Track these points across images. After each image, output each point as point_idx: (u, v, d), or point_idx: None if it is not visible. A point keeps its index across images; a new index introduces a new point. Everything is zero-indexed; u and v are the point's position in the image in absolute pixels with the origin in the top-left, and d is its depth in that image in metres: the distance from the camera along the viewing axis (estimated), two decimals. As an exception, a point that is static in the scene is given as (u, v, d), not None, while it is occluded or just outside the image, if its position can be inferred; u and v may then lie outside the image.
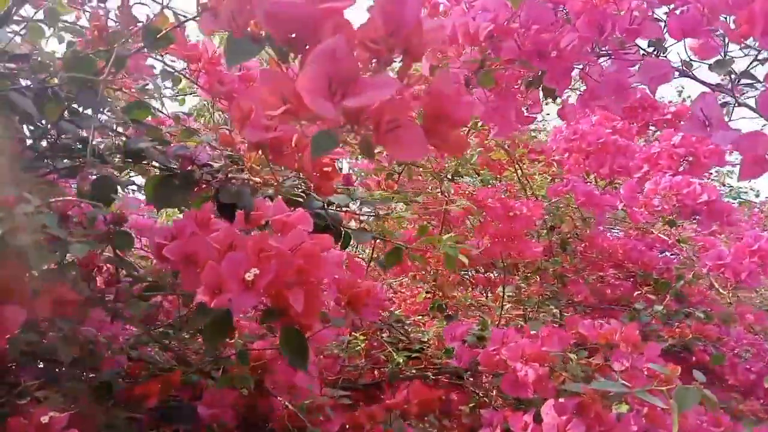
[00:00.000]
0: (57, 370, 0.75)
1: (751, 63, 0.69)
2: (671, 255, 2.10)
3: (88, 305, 0.68)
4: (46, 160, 0.83)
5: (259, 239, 0.58)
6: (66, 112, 0.73)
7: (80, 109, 0.75)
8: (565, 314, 1.84)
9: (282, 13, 0.38)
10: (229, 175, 0.69)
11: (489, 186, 1.76)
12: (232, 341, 0.76)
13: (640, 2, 0.70)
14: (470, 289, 1.75)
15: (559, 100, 1.06)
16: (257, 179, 0.67)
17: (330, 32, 0.36)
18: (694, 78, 0.72)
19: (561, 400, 0.90)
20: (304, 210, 0.73)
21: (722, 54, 0.67)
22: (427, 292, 1.54)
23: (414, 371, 1.34)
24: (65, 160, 0.82)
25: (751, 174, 0.60)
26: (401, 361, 1.30)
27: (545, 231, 1.78)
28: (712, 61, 0.68)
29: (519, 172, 1.57)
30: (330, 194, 0.68)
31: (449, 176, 1.74)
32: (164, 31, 0.62)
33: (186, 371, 0.72)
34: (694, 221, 1.69)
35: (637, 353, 0.94)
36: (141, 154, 0.83)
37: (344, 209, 0.86)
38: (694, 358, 1.69)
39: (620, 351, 0.98)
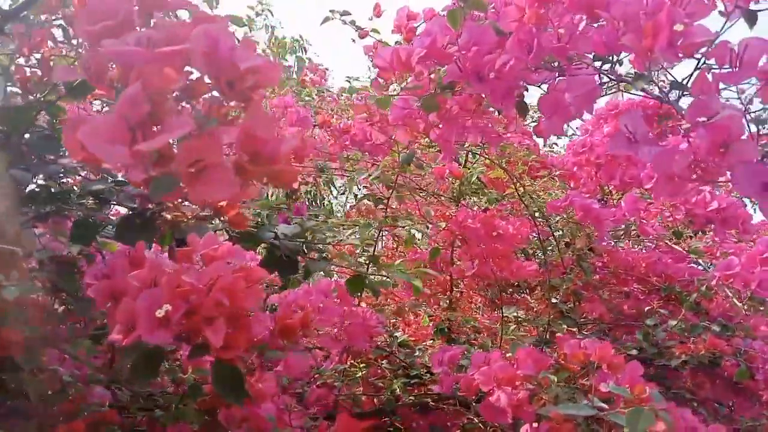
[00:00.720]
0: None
1: (692, 73, 0.66)
2: (701, 267, 2.01)
3: (39, 344, 0.70)
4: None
5: (173, 275, 0.59)
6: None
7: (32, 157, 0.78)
8: (584, 333, 1.79)
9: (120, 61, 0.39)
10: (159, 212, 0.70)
11: (494, 206, 1.74)
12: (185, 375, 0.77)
13: (570, 19, 0.69)
14: (479, 310, 1.72)
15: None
16: (177, 213, 0.68)
17: (135, 78, 0.37)
18: (627, 92, 0.69)
19: (535, 425, 0.88)
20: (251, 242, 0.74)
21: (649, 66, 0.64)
22: (429, 316, 1.53)
23: (412, 398, 1.32)
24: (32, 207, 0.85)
25: (663, 193, 0.57)
26: (397, 388, 1.29)
27: (557, 248, 1.74)
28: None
29: (521, 189, 1.54)
30: (241, 227, 0.68)
31: (454, 197, 1.73)
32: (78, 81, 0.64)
33: (125, 407, 0.73)
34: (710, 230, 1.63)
35: (618, 373, 0.90)
36: (102, 196, 0.86)
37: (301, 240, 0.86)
38: (726, 373, 1.61)
39: (603, 372, 0.94)
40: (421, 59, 0.76)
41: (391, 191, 1.25)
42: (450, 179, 1.68)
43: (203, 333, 0.59)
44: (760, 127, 0.57)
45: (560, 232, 1.75)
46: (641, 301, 1.89)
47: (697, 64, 0.68)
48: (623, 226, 1.70)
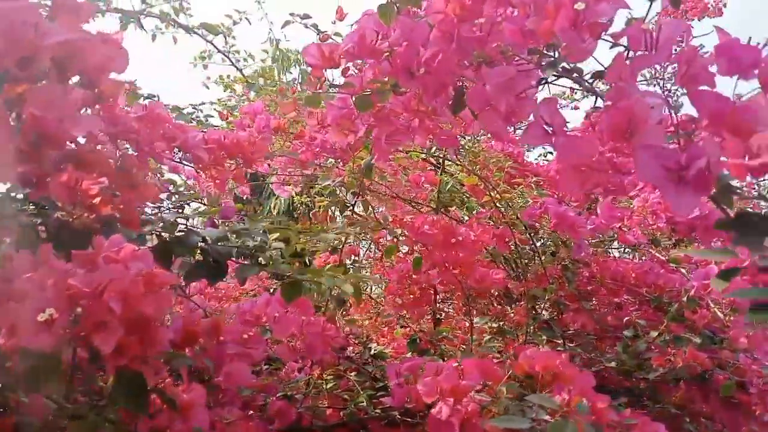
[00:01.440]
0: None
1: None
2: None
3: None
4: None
5: (60, 277, 0.56)
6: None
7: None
8: (568, 345, 1.74)
9: None
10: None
11: (474, 213, 1.70)
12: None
13: (494, 9, 0.66)
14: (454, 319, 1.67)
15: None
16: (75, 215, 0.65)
17: None
18: (552, 83, 0.66)
19: (480, 439, 0.83)
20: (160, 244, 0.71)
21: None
22: (401, 326, 1.48)
23: (378, 411, 1.27)
24: None
25: (567, 186, 0.53)
26: (363, 401, 1.25)
27: (538, 257, 1.70)
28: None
29: (497, 197, 1.50)
30: (133, 226, 0.65)
31: (432, 206, 1.69)
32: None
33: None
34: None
35: (569, 384, 0.86)
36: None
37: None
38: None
39: (559, 384, 0.90)
40: (349, 56, 0.73)
41: (355, 199, 1.21)
42: (429, 187, 1.65)
43: (92, 339, 0.56)
44: (673, 112, 0.54)
45: (542, 241, 1.71)
46: (628, 312, 1.84)
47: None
48: (600, 236, 1.65)
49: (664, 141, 0.51)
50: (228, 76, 2.40)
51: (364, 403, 1.25)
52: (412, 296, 1.55)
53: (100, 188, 0.61)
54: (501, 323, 1.53)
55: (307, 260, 2.28)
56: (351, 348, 1.56)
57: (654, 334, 1.44)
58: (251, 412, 1.18)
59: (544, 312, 1.62)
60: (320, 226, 1.13)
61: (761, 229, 0.46)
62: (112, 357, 0.57)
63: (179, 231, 0.78)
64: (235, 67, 2.24)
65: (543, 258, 1.75)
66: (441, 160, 1.61)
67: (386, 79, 0.77)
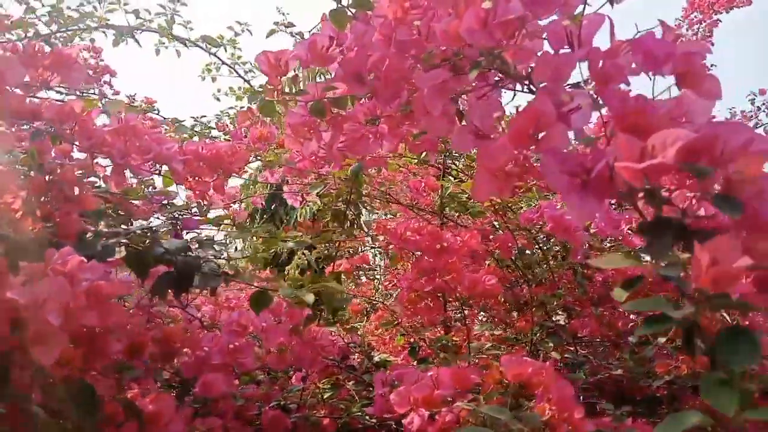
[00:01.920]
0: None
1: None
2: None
3: None
4: None
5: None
6: None
7: None
8: (578, 352, 1.70)
9: None
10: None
11: (479, 219, 1.67)
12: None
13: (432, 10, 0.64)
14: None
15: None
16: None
17: None
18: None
19: (451, 450, 0.81)
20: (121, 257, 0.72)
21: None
22: (401, 335, 1.47)
23: (374, 421, 1.26)
24: None
25: (481, 193, 0.51)
26: (356, 410, 1.24)
27: (545, 262, 1.66)
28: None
29: (498, 201, 1.47)
30: (70, 238, 0.66)
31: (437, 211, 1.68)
32: None
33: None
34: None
35: (547, 393, 0.83)
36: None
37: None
38: None
39: (538, 393, 0.87)
40: (301, 62, 0.73)
41: (346, 206, 1.21)
42: (432, 192, 1.63)
43: (33, 351, 0.57)
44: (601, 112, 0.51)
45: (549, 246, 1.67)
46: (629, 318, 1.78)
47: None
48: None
49: (567, 145, 0.48)
50: (239, 88, 2.44)
51: (357, 413, 1.24)
52: (423, 304, 1.54)
53: (25, 202, 0.62)
54: (505, 330, 1.50)
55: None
56: (355, 356, 1.55)
57: (662, 339, 1.38)
58: (244, 421, 1.19)
59: (553, 318, 1.58)
60: (284, 234, 1.12)
61: (670, 236, 0.43)
62: (55, 369, 0.58)
63: (145, 243, 0.79)
64: (243, 78, 2.27)
65: (552, 263, 1.72)
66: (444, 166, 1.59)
67: (336, 85, 0.77)
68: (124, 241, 0.80)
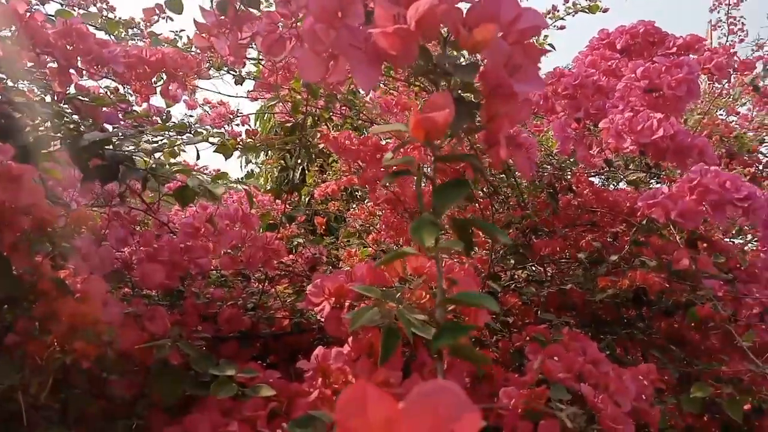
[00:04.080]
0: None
1: None
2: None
3: None
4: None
5: None
6: None
7: None
8: (541, 269, 1.74)
9: None
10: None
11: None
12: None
13: None
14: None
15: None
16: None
17: None
18: None
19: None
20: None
21: None
22: (364, 247, 1.52)
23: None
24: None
25: (308, 74, 0.53)
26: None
27: (517, 185, 1.69)
28: None
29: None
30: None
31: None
32: None
33: None
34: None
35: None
36: None
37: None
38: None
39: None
40: None
41: (303, 117, 1.24)
42: (404, 111, 1.65)
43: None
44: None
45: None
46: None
47: None
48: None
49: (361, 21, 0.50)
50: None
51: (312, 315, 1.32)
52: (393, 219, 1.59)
53: None
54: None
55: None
56: (320, 268, 1.62)
57: (614, 257, 1.42)
58: (201, 317, 1.27)
59: (514, 237, 1.62)
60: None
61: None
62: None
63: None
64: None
65: (524, 185, 1.74)
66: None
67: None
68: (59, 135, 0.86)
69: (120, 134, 0.86)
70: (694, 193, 1.18)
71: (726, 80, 2.86)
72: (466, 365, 1.01)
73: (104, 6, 2.26)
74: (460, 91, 0.45)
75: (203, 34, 0.79)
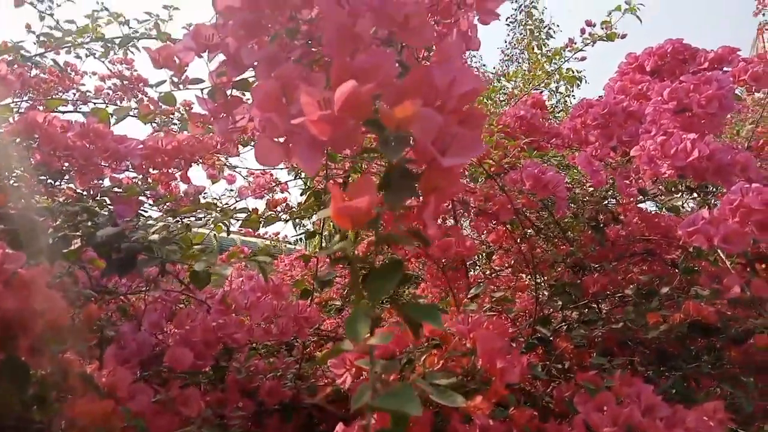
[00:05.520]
0: None
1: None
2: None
3: None
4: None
5: None
6: None
7: None
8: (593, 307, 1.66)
9: None
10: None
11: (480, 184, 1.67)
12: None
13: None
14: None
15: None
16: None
17: None
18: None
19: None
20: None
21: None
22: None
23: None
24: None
25: (262, 159, 0.52)
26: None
27: (556, 221, 1.64)
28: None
29: (492, 163, 1.47)
30: None
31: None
32: None
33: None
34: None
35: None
36: None
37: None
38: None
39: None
40: (188, 53, 0.78)
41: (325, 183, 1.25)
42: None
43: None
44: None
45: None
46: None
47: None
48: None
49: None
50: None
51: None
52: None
53: None
54: (506, 292, 1.50)
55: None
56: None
57: (665, 290, 1.34)
58: (243, 393, 1.27)
59: (560, 276, 1.56)
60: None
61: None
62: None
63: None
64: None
65: (564, 221, 1.69)
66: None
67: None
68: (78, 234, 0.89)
69: (134, 226, 0.89)
70: (736, 215, 1.11)
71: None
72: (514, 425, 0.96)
73: (138, 94, 2.39)
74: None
75: (197, 123, 0.81)
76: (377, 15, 0.45)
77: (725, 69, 1.74)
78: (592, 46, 1.85)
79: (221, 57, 0.83)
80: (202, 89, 0.82)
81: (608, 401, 1.03)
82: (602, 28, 1.83)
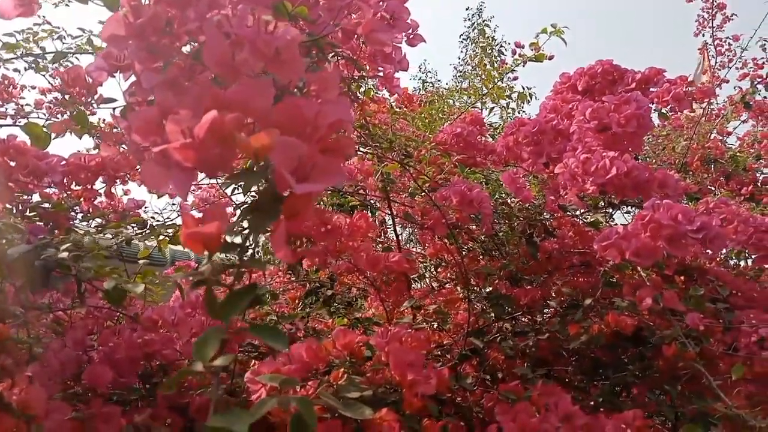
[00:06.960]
0: None
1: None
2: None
3: None
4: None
5: None
6: None
7: None
8: (525, 320, 1.71)
9: None
10: None
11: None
12: None
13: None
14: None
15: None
16: None
17: None
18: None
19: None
20: None
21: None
22: (341, 316, 1.52)
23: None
24: None
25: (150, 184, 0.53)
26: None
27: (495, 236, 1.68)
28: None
29: (424, 179, 1.50)
30: None
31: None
32: None
33: None
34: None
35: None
36: None
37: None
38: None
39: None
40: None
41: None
42: (369, 177, 1.67)
43: None
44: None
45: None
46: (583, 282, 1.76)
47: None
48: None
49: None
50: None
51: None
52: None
53: None
54: (440, 305, 1.53)
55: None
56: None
57: (588, 301, 1.39)
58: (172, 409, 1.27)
59: (491, 288, 1.60)
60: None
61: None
62: None
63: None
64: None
65: (500, 234, 1.73)
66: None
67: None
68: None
69: (47, 243, 0.89)
70: (647, 230, 1.16)
71: (706, 103, 2.85)
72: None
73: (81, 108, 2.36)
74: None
75: (109, 143, 0.82)
76: (251, 48, 0.48)
77: (652, 89, 1.82)
78: (523, 66, 1.92)
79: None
80: (114, 108, 0.83)
81: (526, 411, 1.07)
82: (531, 49, 1.90)
